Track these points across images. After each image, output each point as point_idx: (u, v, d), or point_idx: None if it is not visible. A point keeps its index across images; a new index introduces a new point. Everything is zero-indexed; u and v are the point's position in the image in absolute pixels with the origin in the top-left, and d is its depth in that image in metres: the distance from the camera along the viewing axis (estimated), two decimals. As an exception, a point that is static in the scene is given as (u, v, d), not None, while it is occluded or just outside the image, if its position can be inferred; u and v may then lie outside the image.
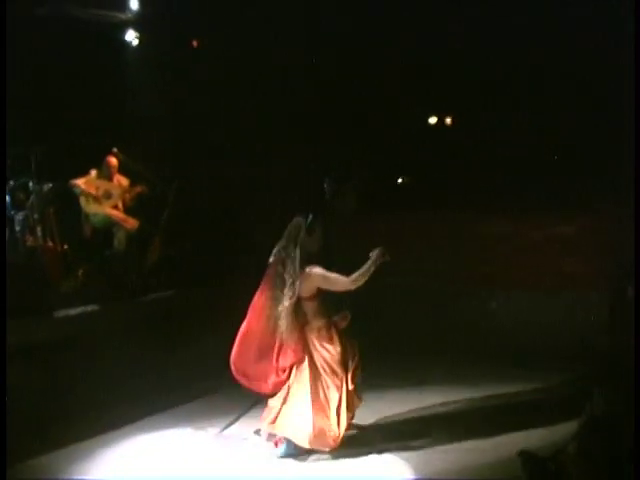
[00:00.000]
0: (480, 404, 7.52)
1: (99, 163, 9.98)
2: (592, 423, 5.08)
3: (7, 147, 7.66)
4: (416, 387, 8.01)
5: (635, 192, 6.16)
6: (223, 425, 7.13)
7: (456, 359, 8.65)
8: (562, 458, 5.19)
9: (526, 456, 5.53)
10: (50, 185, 9.19)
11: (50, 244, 9.06)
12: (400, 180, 13.40)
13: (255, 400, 7.67)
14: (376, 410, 7.29)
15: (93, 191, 9.76)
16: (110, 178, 9.96)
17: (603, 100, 9.70)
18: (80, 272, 9.12)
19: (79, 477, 6.07)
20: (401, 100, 11.83)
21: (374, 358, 8.57)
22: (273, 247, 6.41)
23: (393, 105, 11.75)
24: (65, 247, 9.35)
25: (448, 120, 13.61)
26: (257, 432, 6.90)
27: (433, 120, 13.56)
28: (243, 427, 7.11)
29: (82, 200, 9.77)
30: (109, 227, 9.80)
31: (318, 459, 6.30)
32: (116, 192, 9.88)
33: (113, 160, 9.94)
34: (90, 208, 9.75)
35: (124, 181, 10.02)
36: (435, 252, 9.92)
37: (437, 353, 8.81)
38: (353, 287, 6.20)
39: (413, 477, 5.94)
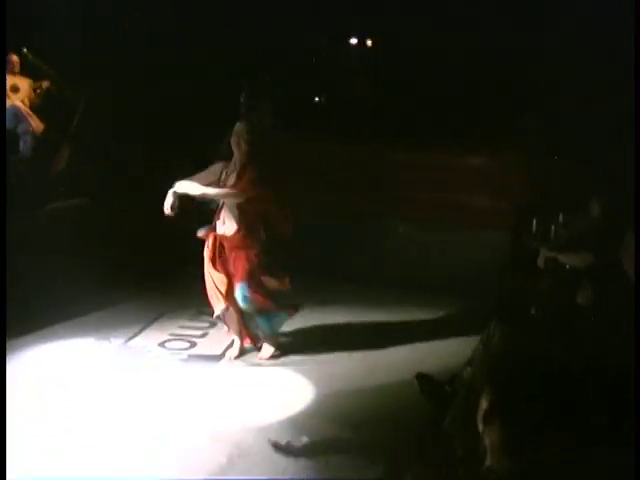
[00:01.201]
0: (380, 327, 7.69)
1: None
2: (486, 352, 5.29)
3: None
4: (318, 306, 8.10)
5: (635, 187, 6.33)
6: (128, 336, 7.15)
7: (360, 283, 8.74)
8: (457, 382, 5.42)
9: (424, 379, 5.75)
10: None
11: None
12: (317, 99, 13.33)
13: (160, 312, 7.75)
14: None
15: (-1, 82, 9.40)
16: (14, 75, 9.60)
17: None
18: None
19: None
20: (324, 18, 11.69)
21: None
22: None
23: (314, 23, 11.61)
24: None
25: (369, 42, 13.54)
26: (161, 344, 6.99)
27: (354, 41, 13.49)
28: (147, 339, 7.16)
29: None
30: (14, 127, 9.46)
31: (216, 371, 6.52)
32: (23, 86, 9.54)
33: (15, 57, 9.56)
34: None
35: (29, 80, 9.66)
36: (345, 179, 9.93)
37: (342, 277, 8.89)
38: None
39: (311, 395, 6.10)
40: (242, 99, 10.06)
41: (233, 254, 6.52)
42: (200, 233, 6.58)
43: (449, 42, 10.87)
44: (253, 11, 11.18)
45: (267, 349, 6.83)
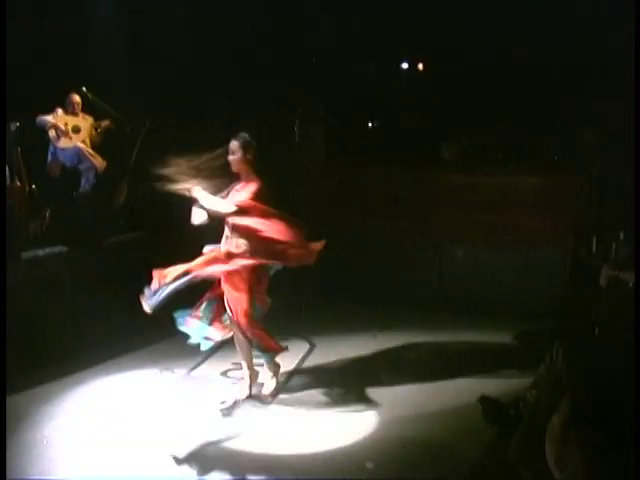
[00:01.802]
0: (442, 351, 7.68)
1: (64, 101, 9.84)
2: (550, 374, 5.22)
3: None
4: (378, 333, 8.16)
5: (635, 181, 6.27)
6: (190, 366, 7.22)
7: (419, 308, 8.78)
8: (521, 405, 5.36)
9: (487, 402, 5.70)
10: (17, 124, 9.05)
11: (17, 184, 8.95)
12: (370, 125, 13.39)
13: (222, 341, 7.80)
14: (339, 352, 7.51)
15: (62, 125, 9.66)
16: (75, 115, 9.85)
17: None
18: (47, 213, 9.05)
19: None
20: (372, 46, 11.77)
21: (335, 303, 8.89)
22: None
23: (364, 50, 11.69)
24: (33, 187, 9.26)
25: (420, 66, 13.57)
26: (224, 373, 7.04)
27: (405, 66, 13.53)
28: (210, 369, 7.22)
29: (51, 135, 9.65)
30: (77, 165, 9.70)
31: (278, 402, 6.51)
32: (84, 126, 9.76)
33: (76, 97, 9.80)
34: (59, 142, 9.65)
35: (90, 118, 9.91)
36: (398, 202, 9.95)
37: (400, 303, 8.90)
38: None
39: (374, 421, 6.08)
40: (296, 127, 10.19)
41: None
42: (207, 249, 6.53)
43: (497, 63, 10.87)
44: (304, 40, 11.32)
45: (269, 384, 6.70)
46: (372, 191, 10.01)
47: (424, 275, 9.44)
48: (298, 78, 11.06)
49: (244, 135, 6.45)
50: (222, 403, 6.39)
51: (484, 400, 5.76)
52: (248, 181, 6.38)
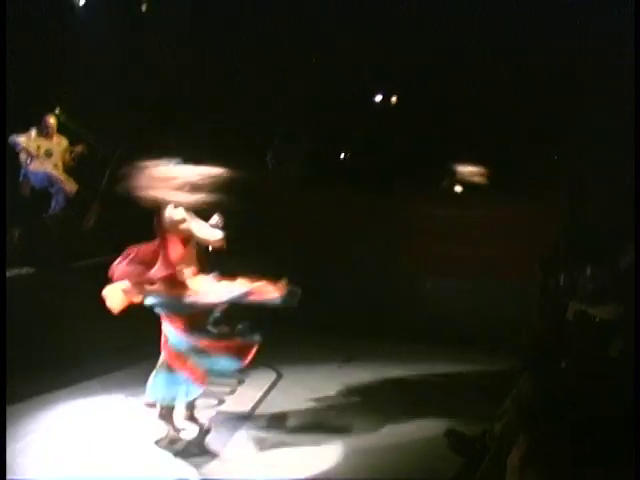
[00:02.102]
0: (408, 382, 7.68)
1: (39, 123, 9.81)
2: (516, 406, 5.23)
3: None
4: (344, 363, 8.17)
5: (635, 190, 6.32)
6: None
7: (386, 338, 8.78)
8: (487, 438, 5.35)
9: (453, 435, 5.68)
10: (-13, 144, 9.02)
11: (-14, 203, 8.89)
12: (342, 155, 13.44)
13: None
14: (305, 385, 7.46)
15: (34, 149, 9.61)
16: (49, 137, 9.82)
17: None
18: (17, 233, 8.98)
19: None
20: (352, 75, 11.86)
21: (304, 333, 8.86)
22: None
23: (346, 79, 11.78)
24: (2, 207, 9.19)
25: (393, 99, 13.67)
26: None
27: (378, 98, 13.62)
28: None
29: (22, 157, 9.61)
30: (47, 187, 9.65)
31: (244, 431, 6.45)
32: (56, 150, 9.74)
33: (52, 119, 9.78)
34: (30, 166, 9.60)
35: (64, 141, 9.88)
36: (371, 232, 9.98)
37: (368, 331, 8.90)
38: None
39: (339, 452, 6.04)
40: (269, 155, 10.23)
41: None
42: None
43: (473, 93, 10.99)
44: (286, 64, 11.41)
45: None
46: (345, 220, 10.03)
47: (394, 306, 9.43)
48: (276, 102, 11.12)
49: None
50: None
51: (450, 433, 5.75)
52: None
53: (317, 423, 6.61)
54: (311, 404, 6.99)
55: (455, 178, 10.84)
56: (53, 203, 9.61)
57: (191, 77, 11.04)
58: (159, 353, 6.24)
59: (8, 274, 7.96)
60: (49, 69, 10.41)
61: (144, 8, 11.32)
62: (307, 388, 7.40)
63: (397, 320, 9.23)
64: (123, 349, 7.64)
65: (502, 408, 5.59)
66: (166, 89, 11.00)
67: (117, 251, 9.22)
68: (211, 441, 6.19)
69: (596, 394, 4.99)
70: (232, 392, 7.30)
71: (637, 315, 5.18)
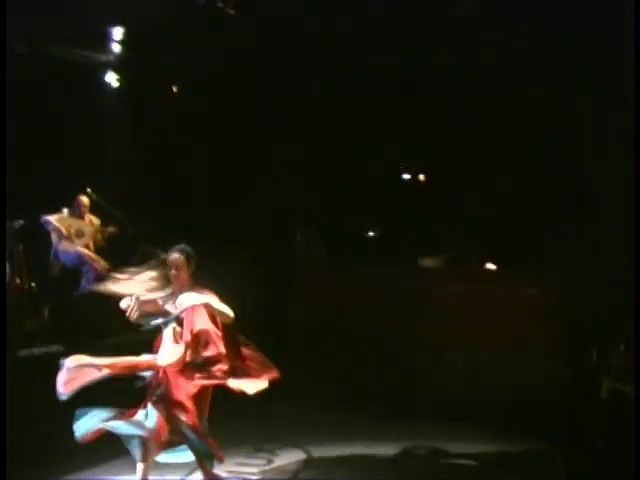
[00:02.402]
0: (438, 461, 7.53)
1: (71, 202, 9.98)
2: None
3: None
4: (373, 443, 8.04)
5: (635, 202, 6.27)
6: (184, 473, 7.04)
7: (413, 416, 8.69)
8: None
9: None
10: (21, 222, 9.14)
11: (18, 281, 8.98)
12: (370, 234, 13.52)
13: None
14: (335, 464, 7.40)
15: (65, 228, 9.75)
16: (81, 217, 9.97)
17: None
18: (46, 311, 9.04)
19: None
20: (375, 155, 11.99)
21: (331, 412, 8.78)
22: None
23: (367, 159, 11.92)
24: (33, 285, 9.29)
25: (421, 177, 13.78)
26: None
27: (407, 176, 13.74)
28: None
29: (53, 237, 9.74)
30: (79, 266, 9.75)
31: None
32: (88, 231, 9.87)
33: (84, 199, 9.95)
34: (61, 245, 9.72)
35: (95, 221, 10.03)
36: (402, 310, 9.97)
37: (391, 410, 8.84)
38: None
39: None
40: (298, 237, 10.29)
41: None
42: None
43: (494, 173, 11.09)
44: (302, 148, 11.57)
45: None
46: (369, 298, 10.03)
47: (420, 383, 9.33)
48: (297, 185, 11.25)
49: (185, 247, 6.25)
50: None
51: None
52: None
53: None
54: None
55: (477, 256, 10.88)
56: (83, 281, 9.69)
57: (216, 159, 11.21)
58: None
59: (36, 352, 8.00)
60: (81, 148, 10.62)
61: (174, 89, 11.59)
62: (337, 470, 7.27)
63: (425, 397, 9.13)
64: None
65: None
66: (192, 169, 11.17)
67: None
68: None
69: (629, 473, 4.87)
70: (262, 472, 7.22)
71: (637, 326, 5.09)
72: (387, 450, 7.80)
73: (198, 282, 6.22)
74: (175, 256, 6.12)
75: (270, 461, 7.50)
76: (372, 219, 13.01)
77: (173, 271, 6.10)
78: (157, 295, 6.15)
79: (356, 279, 10.39)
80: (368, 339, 9.80)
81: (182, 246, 6.23)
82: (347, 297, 10.19)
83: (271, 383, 6.25)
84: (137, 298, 6.01)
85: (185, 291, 6.10)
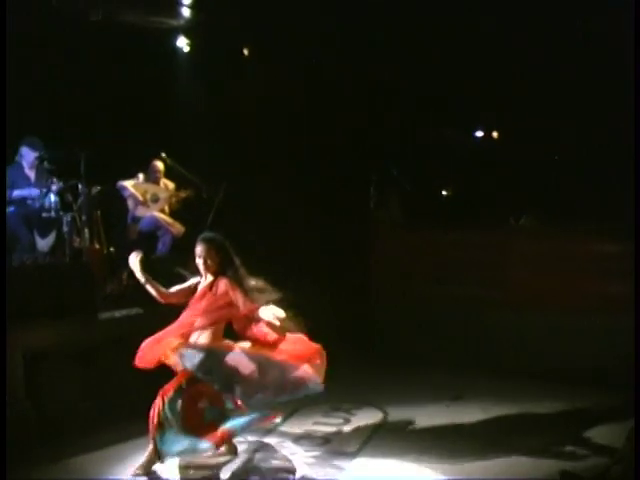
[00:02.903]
0: (518, 422, 7.44)
1: (146, 167, 10.10)
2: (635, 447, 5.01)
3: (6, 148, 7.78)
4: (453, 402, 8.04)
5: (635, 195, 6.08)
6: (263, 432, 7.10)
7: (493, 375, 8.61)
8: (604, 481, 5.15)
9: (568, 477, 5.49)
10: (98, 188, 9.28)
11: (96, 246, 9.15)
12: (444, 193, 13.42)
13: (294, 408, 7.75)
14: (412, 423, 7.38)
15: (140, 194, 9.88)
16: (157, 182, 10.08)
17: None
18: (125, 275, 9.18)
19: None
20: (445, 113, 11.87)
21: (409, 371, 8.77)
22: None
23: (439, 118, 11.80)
24: (111, 249, 9.45)
25: (495, 134, 13.61)
26: (296, 440, 6.94)
27: (480, 134, 13.57)
28: (283, 435, 7.16)
29: (129, 203, 9.89)
30: (155, 231, 9.88)
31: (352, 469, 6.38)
32: (163, 196, 9.98)
33: (159, 164, 10.06)
34: (137, 211, 9.87)
35: (170, 185, 10.14)
36: (473, 267, 9.85)
37: (475, 371, 8.77)
38: None
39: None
40: (371, 193, 10.24)
41: None
42: None
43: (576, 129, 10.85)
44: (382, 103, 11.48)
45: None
46: (447, 256, 9.94)
47: (499, 342, 9.24)
48: (375, 142, 11.18)
49: (208, 235, 6.33)
50: None
51: (565, 475, 5.55)
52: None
53: (423, 463, 6.46)
54: (416, 445, 6.84)
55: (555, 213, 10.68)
56: (160, 245, 9.81)
57: (289, 122, 11.20)
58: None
59: (117, 315, 8.16)
60: (156, 114, 10.72)
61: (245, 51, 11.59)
62: (414, 428, 7.27)
63: (503, 356, 9.05)
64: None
65: (619, 450, 5.38)
66: (265, 134, 11.19)
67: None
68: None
69: None
70: (339, 432, 7.25)
71: (637, 315, 4.92)
72: (467, 410, 7.75)
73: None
74: (199, 246, 6.18)
75: (347, 420, 7.53)
76: (447, 179, 12.90)
77: (199, 260, 6.16)
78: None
79: (431, 239, 10.29)
80: (443, 298, 9.71)
81: (206, 235, 6.32)
82: (422, 257, 10.11)
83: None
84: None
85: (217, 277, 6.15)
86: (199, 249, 6.20)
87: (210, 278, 6.23)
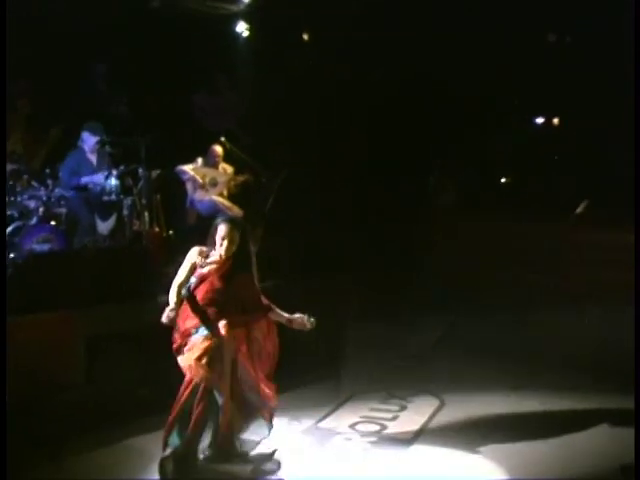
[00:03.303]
0: (579, 414, 7.32)
1: (205, 152, 10.16)
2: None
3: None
4: (512, 392, 7.94)
5: (635, 197, 5.91)
6: (318, 417, 7.15)
7: (552, 366, 8.50)
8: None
9: (629, 471, 5.39)
10: (158, 172, 9.37)
11: (155, 230, 9.24)
12: (503, 180, 13.28)
13: (351, 394, 7.77)
14: (470, 413, 7.30)
15: (200, 178, 9.95)
16: (215, 166, 10.13)
17: None
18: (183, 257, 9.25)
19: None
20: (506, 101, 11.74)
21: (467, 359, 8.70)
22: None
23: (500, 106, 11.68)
24: (170, 233, 9.53)
25: (555, 121, 13.41)
26: (352, 426, 6.96)
27: (540, 120, 13.38)
28: (338, 420, 7.16)
29: (188, 187, 9.95)
30: (214, 215, 9.92)
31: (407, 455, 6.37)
32: (222, 180, 10.02)
33: (218, 149, 10.09)
34: (196, 195, 9.94)
35: (229, 169, 10.18)
36: (535, 255, 9.75)
37: (534, 359, 8.65)
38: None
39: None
40: (431, 179, 10.18)
41: None
42: None
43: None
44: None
45: None
46: (508, 244, 9.86)
47: (562, 333, 9.11)
48: (438, 130, 11.11)
49: (226, 217, 6.31)
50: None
51: (626, 469, 5.45)
52: None
53: (478, 453, 6.40)
54: (474, 434, 6.79)
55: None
56: (219, 230, 9.86)
57: (349, 108, 11.17)
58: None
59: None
60: (215, 100, 10.78)
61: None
62: (471, 417, 7.21)
63: (562, 348, 8.93)
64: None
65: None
66: (324, 119, 11.18)
67: (280, 275, 9.51)
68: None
69: None
70: (394, 418, 7.23)
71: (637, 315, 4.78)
72: (526, 402, 7.67)
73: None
74: (224, 227, 6.02)
75: (403, 407, 7.50)
76: (505, 167, 12.76)
77: (222, 240, 5.98)
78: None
79: (485, 227, 10.21)
80: (504, 285, 9.63)
81: (231, 217, 6.42)
82: (482, 244, 10.04)
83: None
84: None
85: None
86: (223, 229, 6.00)
87: (220, 258, 6.04)
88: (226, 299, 5.98)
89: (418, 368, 8.66)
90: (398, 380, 8.01)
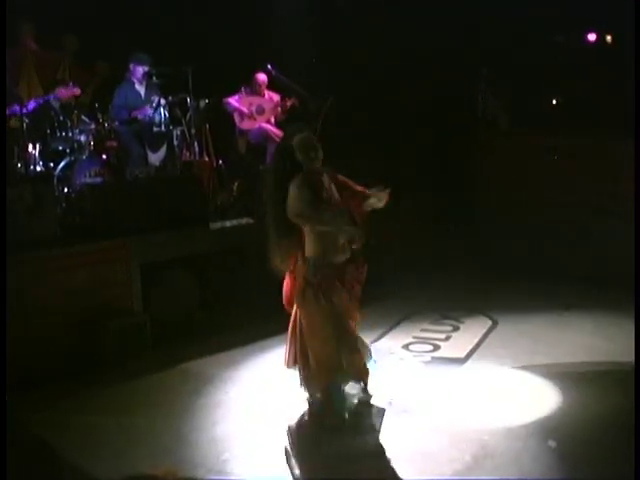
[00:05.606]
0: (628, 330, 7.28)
1: (250, 80, 10.12)
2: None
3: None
4: (565, 311, 7.93)
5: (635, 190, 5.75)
6: (373, 337, 7.18)
7: (605, 285, 8.39)
8: None
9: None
10: (206, 101, 9.38)
11: (205, 159, 9.30)
12: (554, 101, 13.02)
13: (405, 315, 7.84)
14: (523, 333, 7.32)
15: (246, 107, 9.94)
16: (261, 94, 10.10)
17: None
18: (234, 186, 9.34)
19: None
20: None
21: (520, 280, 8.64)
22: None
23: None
24: (220, 162, 9.59)
25: (608, 38, 13.03)
26: (405, 346, 7.05)
27: (592, 37, 13.01)
28: (392, 341, 7.27)
29: (235, 117, 9.97)
30: (262, 142, 9.96)
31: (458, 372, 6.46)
32: (268, 107, 10.02)
33: (262, 76, 10.04)
34: (244, 124, 9.96)
35: (275, 97, 10.15)
36: (583, 175, 9.57)
37: (584, 280, 8.56)
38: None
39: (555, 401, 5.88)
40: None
41: None
42: None
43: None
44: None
45: None
46: (557, 164, 9.69)
47: (609, 252, 8.96)
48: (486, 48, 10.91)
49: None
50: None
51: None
52: None
53: (533, 371, 6.45)
54: (528, 352, 6.83)
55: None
56: (268, 157, 9.88)
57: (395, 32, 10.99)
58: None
59: (228, 224, 8.35)
60: (256, 28, 10.69)
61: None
62: (524, 336, 7.24)
63: (614, 267, 8.81)
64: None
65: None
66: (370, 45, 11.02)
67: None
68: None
69: None
70: (447, 338, 7.31)
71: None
72: (577, 321, 7.67)
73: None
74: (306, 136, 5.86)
75: (456, 328, 7.57)
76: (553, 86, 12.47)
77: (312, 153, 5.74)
78: None
79: (540, 145, 10.04)
80: (550, 205, 9.51)
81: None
82: (531, 164, 9.90)
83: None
84: None
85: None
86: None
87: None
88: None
89: (471, 289, 8.68)
90: (452, 301, 8.08)
